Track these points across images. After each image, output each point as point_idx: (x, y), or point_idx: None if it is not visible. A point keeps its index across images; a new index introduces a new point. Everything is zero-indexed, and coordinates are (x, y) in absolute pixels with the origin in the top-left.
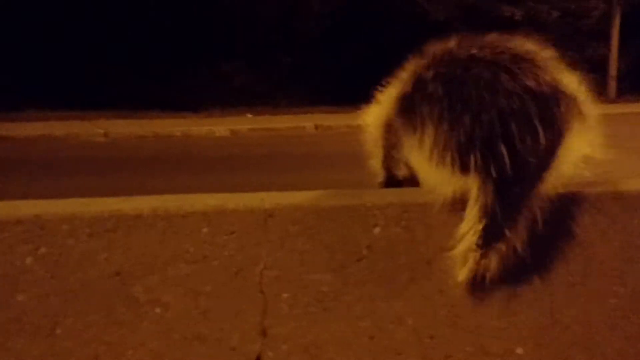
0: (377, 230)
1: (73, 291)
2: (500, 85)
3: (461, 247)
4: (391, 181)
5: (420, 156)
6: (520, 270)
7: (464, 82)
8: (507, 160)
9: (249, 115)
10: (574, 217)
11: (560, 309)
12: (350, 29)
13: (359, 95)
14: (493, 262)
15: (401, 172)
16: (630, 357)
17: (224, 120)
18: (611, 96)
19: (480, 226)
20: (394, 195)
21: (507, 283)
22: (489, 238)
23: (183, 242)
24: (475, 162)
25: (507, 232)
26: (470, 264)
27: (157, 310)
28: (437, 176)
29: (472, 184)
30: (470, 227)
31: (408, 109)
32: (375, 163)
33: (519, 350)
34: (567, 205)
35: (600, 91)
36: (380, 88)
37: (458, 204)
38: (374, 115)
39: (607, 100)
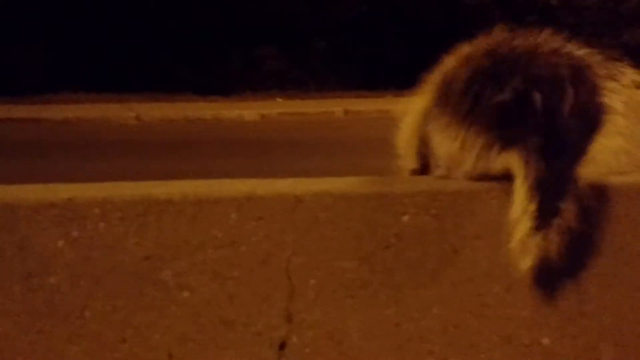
0: (406, 218)
1: (103, 275)
2: (533, 60)
3: (518, 235)
4: (423, 170)
5: (457, 140)
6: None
7: (501, 61)
8: (548, 130)
9: (279, 100)
10: (606, 207)
11: (589, 300)
12: (382, 14)
13: (389, 81)
14: (554, 244)
15: (433, 162)
16: None
17: (254, 104)
18: None
19: (534, 206)
20: (424, 183)
21: (537, 272)
22: (545, 218)
23: (212, 227)
24: (517, 136)
25: (562, 206)
26: (533, 250)
27: (185, 294)
28: (475, 159)
29: (515, 162)
30: (523, 210)
31: (447, 94)
32: (408, 151)
33: (545, 341)
34: (599, 195)
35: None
36: (421, 76)
37: (495, 189)
38: (414, 103)
39: None
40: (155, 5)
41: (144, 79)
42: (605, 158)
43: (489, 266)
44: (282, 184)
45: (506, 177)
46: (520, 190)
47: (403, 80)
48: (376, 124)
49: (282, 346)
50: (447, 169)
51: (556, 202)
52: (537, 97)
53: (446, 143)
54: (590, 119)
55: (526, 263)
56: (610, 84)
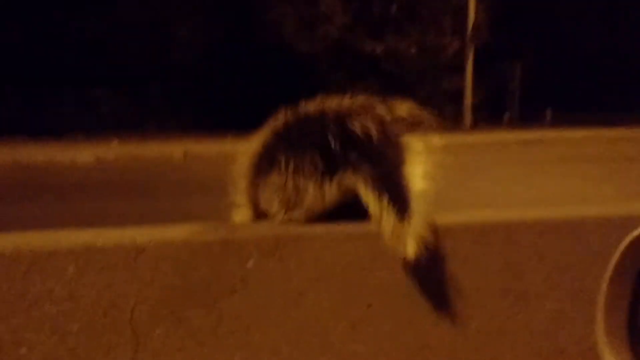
0: (250, 263)
1: None
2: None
3: (389, 228)
4: (256, 213)
5: (290, 186)
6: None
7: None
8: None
9: (115, 142)
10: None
11: (430, 332)
12: (219, 58)
13: (226, 123)
14: (422, 229)
15: (266, 205)
16: None
17: (89, 146)
18: (467, 125)
19: (385, 201)
20: (267, 228)
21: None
22: (398, 208)
23: (48, 280)
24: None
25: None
26: (407, 235)
27: (23, 350)
28: (312, 196)
29: (355, 182)
30: (378, 209)
31: (272, 153)
32: (242, 198)
33: None
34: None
35: (457, 121)
36: (261, 118)
37: (334, 232)
38: (246, 149)
39: (463, 130)
40: None
41: None
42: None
43: (331, 306)
44: (122, 233)
45: (344, 220)
46: (369, 198)
47: (238, 123)
48: (216, 165)
49: None
50: (285, 212)
51: (402, 196)
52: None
53: (280, 191)
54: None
55: (411, 248)
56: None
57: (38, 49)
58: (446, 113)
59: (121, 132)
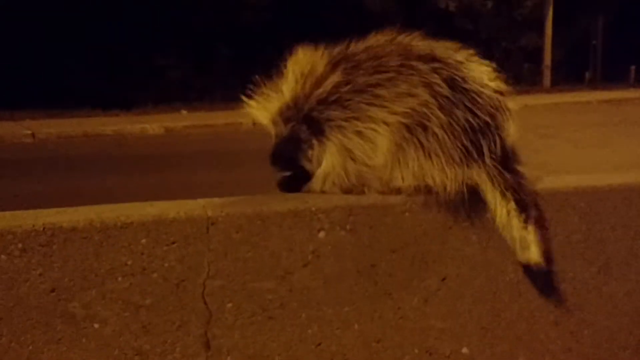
0: (322, 234)
1: (7, 310)
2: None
3: (515, 233)
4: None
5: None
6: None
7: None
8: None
9: (184, 112)
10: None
11: (504, 308)
12: (287, 21)
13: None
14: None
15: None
16: (574, 352)
17: (157, 117)
18: (546, 85)
19: (513, 204)
20: (339, 198)
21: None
22: (526, 210)
23: (120, 254)
24: (476, 152)
25: (531, 201)
26: (533, 239)
27: (96, 326)
28: (440, 174)
29: (479, 177)
30: (505, 211)
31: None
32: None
33: (465, 350)
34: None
35: (536, 80)
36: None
37: (407, 203)
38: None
39: (542, 90)
40: (46, 14)
41: (38, 94)
42: None
43: (406, 279)
44: (193, 205)
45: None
46: (495, 197)
47: None
48: None
49: None
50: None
51: (527, 198)
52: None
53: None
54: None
55: (534, 253)
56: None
57: (103, 19)
58: (524, 72)
59: (189, 100)
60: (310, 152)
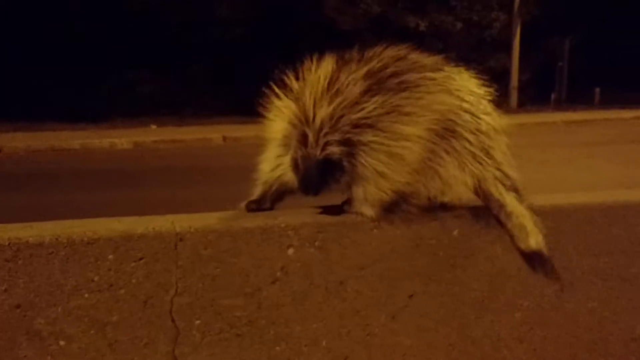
0: (291, 251)
1: None
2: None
3: (523, 221)
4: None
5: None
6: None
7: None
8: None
9: (153, 127)
10: (479, 231)
11: (470, 325)
12: (258, 37)
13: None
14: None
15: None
16: None
17: (126, 131)
18: (513, 106)
19: (514, 196)
20: (308, 215)
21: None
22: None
23: (87, 270)
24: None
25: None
26: (536, 228)
27: (62, 343)
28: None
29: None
30: (513, 203)
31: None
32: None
33: None
34: (472, 219)
35: (502, 100)
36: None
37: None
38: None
39: (509, 110)
40: (11, 28)
41: (3, 108)
42: None
43: (374, 296)
44: (161, 221)
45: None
46: (501, 192)
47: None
48: (256, 150)
49: None
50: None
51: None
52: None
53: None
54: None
55: (536, 238)
56: None
57: (76, 31)
58: (492, 93)
59: (159, 115)
60: (340, 174)
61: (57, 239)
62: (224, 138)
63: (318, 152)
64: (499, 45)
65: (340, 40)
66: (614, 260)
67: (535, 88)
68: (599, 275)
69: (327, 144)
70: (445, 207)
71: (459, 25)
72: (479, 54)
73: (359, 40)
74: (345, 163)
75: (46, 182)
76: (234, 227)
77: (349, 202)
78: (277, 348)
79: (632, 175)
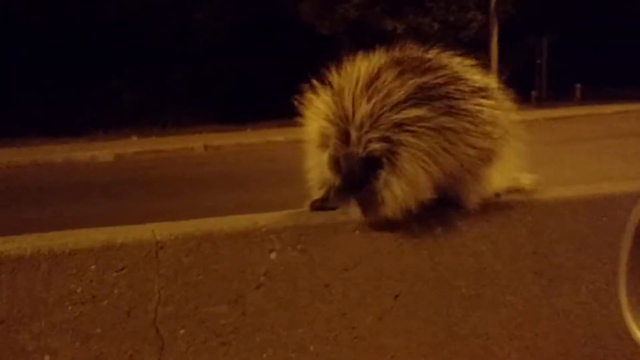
0: (273, 255)
1: None
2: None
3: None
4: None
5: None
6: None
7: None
8: None
9: (134, 138)
10: (462, 228)
11: (458, 323)
12: (238, 45)
13: (248, 113)
14: None
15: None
16: None
17: (107, 143)
18: None
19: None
20: (289, 218)
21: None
22: None
23: (69, 282)
24: None
25: None
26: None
27: (47, 357)
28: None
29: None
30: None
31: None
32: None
33: None
34: (455, 217)
35: None
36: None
37: (355, 221)
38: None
39: None
40: None
41: None
42: None
43: (360, 297)
44: (141, 230)
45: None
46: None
47: (262, 112)
48: (237, 157)
49: None
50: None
51: None
52: None
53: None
54: None
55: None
56: None
57: (55, 44)
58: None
59: (140, 126)
60: (379, 171)
61: (38, 251)
62: (206, 147)
63: (360, 150)
64: (477, 45)
65: (319, 45)
66: (601, 252)
67: (515, 87)
68: (587, 269)
69: (369, 141)
70: (426, 206)
71: (436, 26)
72: (457, 54)
73: (338, 44)
74: (384, 159)
75: (29, 197)
76: (214, 234)
77: (372, 201)
78: (264, 355)
79: (616, 169)
